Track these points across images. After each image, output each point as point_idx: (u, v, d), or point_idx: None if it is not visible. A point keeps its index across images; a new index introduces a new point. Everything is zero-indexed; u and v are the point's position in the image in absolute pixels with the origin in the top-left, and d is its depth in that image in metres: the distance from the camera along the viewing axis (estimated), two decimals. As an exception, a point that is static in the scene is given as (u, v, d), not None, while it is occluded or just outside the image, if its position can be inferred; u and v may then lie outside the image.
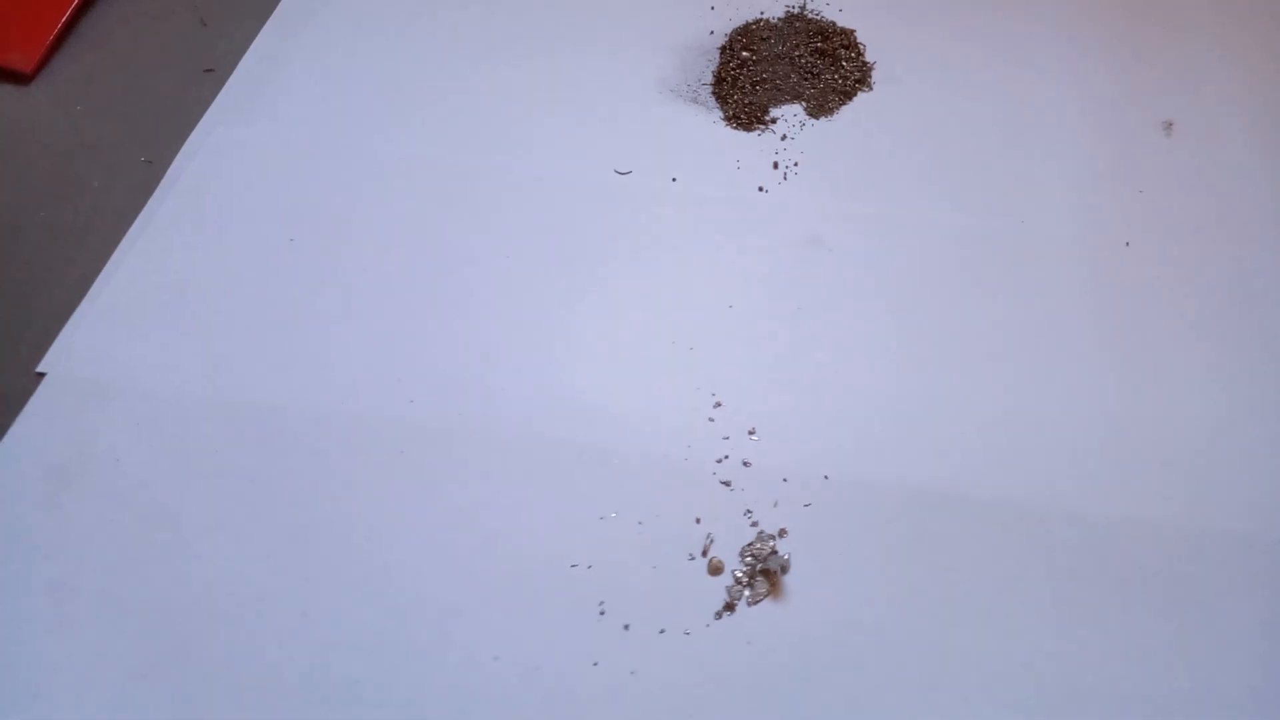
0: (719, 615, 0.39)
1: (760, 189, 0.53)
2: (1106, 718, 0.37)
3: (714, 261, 0.50)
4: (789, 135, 0.56)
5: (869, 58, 0.59)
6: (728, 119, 0.57)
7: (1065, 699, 0.37)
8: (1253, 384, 0.45)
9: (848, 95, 0.57)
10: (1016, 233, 0.50)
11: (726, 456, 0.43)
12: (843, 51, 0.59)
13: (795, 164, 0.54)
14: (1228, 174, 0.53)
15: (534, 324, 0.47)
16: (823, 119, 0.57)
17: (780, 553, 0.40)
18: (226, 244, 0.50)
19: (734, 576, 0.40)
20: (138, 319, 0.48)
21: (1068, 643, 0.38)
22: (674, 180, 0.54)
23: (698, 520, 0.41)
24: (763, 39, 0.60)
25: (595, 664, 0.38)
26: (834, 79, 0.58)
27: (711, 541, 0.41)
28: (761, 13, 0.62)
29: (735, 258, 0.50)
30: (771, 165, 0.54)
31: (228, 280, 0.49)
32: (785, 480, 0.42)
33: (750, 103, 0.57)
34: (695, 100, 0.58)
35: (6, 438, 0.44)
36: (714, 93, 0.58)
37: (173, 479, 0.42)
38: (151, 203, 0.53)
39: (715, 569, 0.40)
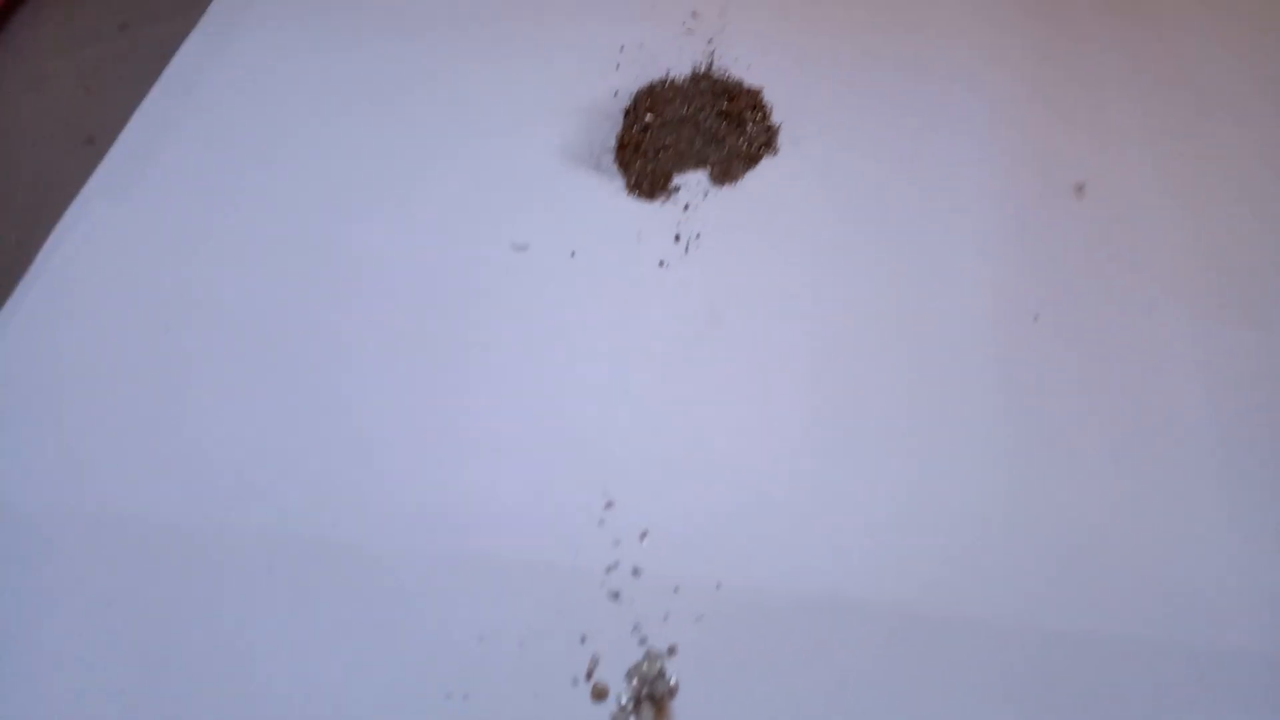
0: (602, 746, 0.37)
1: (661, 263, 0.51)
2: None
3: (611, 344, 0.48)
4: (691, 204, 0.54)
5: (776, 119, 0.57)
6: (630, 188, 0.55)
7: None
8: (1159, 470, 0.44)
9: (753, 160, 0.56)
10: (924, 308, 0.49)
11: (616, 564, 0.41)
12: (749, 114, 0.57)
13: (698, 235, 0.52)
14: (1140, 239, 0.51)
15: (414, 420, 0.45)
16: (727, 186, 0.55)
17: (668, 674, 0.38)
18: (97, 336, 0.48)
19: (618, 703, 0.38)
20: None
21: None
22: (572, 255, 0.51)
23: (583, 639, 0.39)
24: (667, 100, 0.58)
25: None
26: (739, 144, 0.56)
27: (596, 664, 0.39)
28: (668, 70, 0.59)
29: (633, 340, 0.48)
30: (673, 238, 0.52)
31: (95, 377, 0.46)
32: (677, 590, 0.40)
33: (653, 170, 0.55)
34: (597, 167, 0.56)
35: None
36: (616, 159, 0.56)
37: (23, 597, 0.40)
38: (18, 291, 0.50)
39: (599, 694, 0.38)
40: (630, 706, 0.37)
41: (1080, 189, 0.53)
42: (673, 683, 0.38)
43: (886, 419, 0.45)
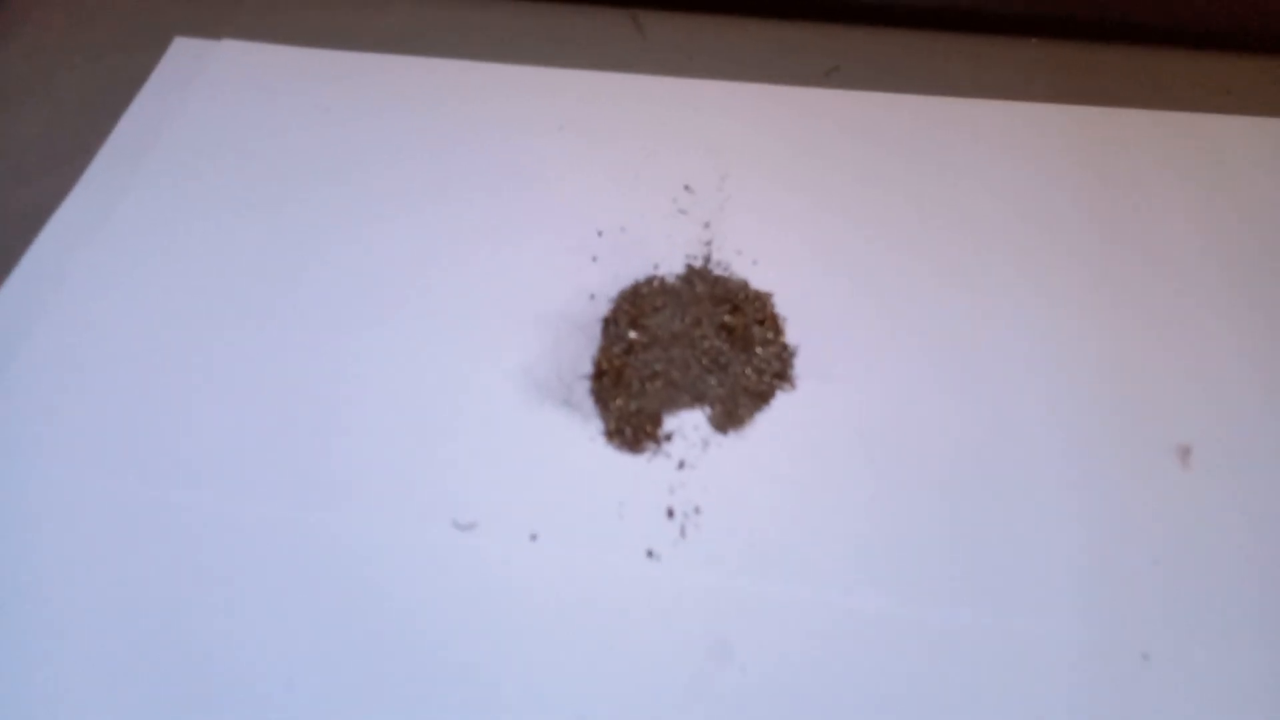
0: None
1: (649, 553, 0.39)
2: None
3: (579, 680, 0.35)
4: (687, 462, 0.41)
5: (790, 337, 0.45)
6: (609, 434, 0.42)
7: None
8: None
9: (762, 398, 0.43)
10: (995, 636, 0.36)
11: None
12: (756, 329, 0.45)
13: (696, 509, 0.40)
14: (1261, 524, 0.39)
15: None
16: (731, 432, 0.42)
17: None
18: None
19: None
20: None
21: None
22: (533, 538, 0.39)
23: None
24: (656, 308, 0.46)
25: None
26: (745, 372, 0.44)
27: None
28: (656, 265, 0.47)
29: (610, 673, 0.36)
30: (665, 513, 0.40)
31: None
32: None
33: (638, 410, 0.43)
34: (568, 401, 0.43)
35: None
36: (593, 390, 0.44)
37: None
38: None
39: None
40: None
41: (1185, 454, 0.41)
42: None
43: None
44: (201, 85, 0.57)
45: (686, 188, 0.52)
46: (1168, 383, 0.44)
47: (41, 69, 0.59)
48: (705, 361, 0.45)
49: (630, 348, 0.45)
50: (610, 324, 0.46)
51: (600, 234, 0.49)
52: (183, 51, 0.59)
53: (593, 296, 0.47)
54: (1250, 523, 0.39)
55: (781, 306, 0.47)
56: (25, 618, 0.37)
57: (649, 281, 0.48)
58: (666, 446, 0.43)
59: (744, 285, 0.48)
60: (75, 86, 0.57)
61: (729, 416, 0.44)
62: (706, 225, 0.50)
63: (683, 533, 0.40)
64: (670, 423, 0.43)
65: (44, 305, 0.46)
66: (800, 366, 0.45)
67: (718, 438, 0.43)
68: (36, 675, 0.35)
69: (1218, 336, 0.45)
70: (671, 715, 0.35)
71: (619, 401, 0.44)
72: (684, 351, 0.45)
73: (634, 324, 0.46)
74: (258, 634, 0.36)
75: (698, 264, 0.49)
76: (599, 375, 0.45)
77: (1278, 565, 0.38)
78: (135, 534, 0.39)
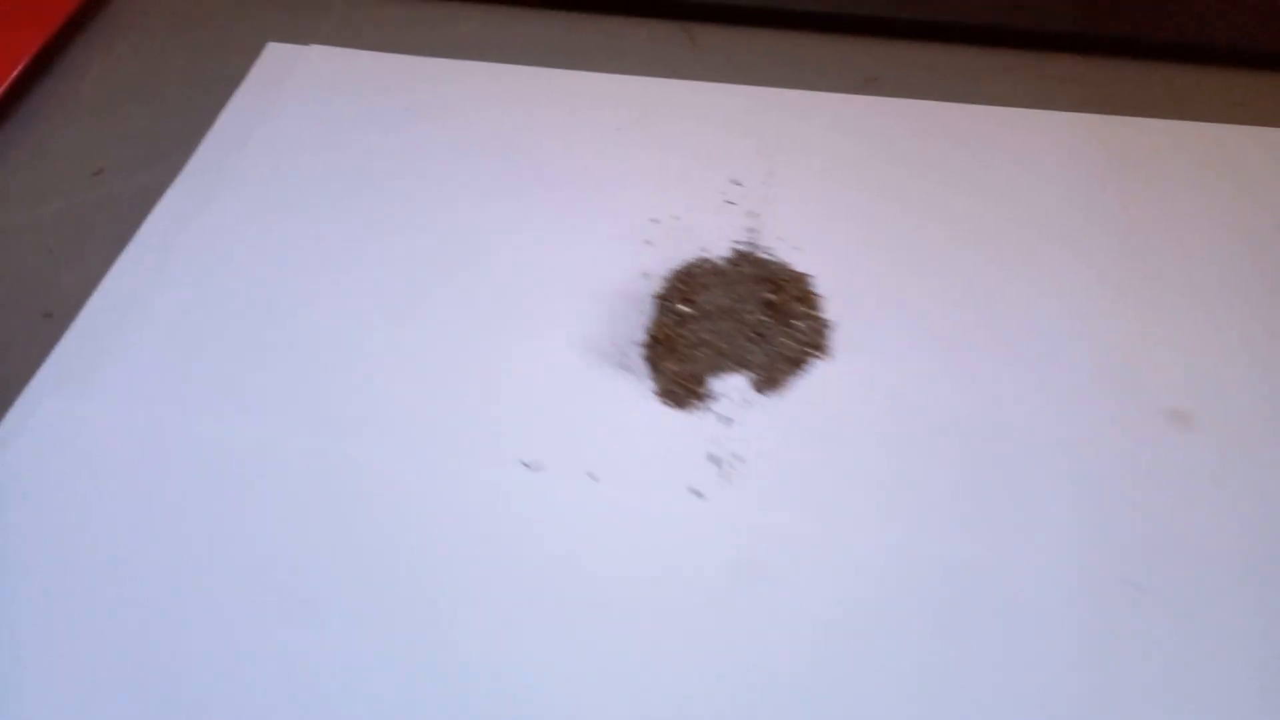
0: None
1: (695, 493, 0.44)
2: None
3: (629, 599, 0.40)
4: (732, 418, 0.46)
5: (827, 313, 0.50)
6: (660, 394, 0.47)
7: None
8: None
9: (799, 365, 0.48)
10: (997, 567, 0.41)
11: None
12: (796, 305, 0.50)
13: (737, 458, 0.45)
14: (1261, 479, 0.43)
15: (403, 650, 0.37)
16: (771, 394, 0.47)
17: None
18: (43, 561, 0.40)
19: None
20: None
21: None
22: (592, 478, 0.44)
23: None
24: (705, 286, 0.51)
25: None
26: (784, 342, 0.49)
27: None
28: (705, 249, 0.52)
29: (654, 595, 0.40)
30: (710, 460, 0.45)
31: (40, 596, 0.39)
32: None
33: (689, 373, 0.47)
34: (623, 365, 0.48)
35: None
36: (646, 356, 0.49)
37: None
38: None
39: None
40: None
41: (1185, 418, 0.45)
42: None
43: (959, 693, 0.37)
44: (291, 87, 0.63)
45: (735, 182, 0.57)
46: (1163, 356, 0.48)
47: (147, 70, 0.65)
48: (749, 333, 0.50)
49: (681, 319, 0.50)
50: (663, 299, 0.51)
51: (655, 221, 0.54)
52: (275, 56, 0.65)
53: (646, 275, 0.52)
54: (1235, 478, 0.44)
55: (821, 287, 0.51)
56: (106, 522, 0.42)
57: (699, 262, 0.53)
58: (712, 405, 0.47)
59: (785, 267, 0.52)
60: (178, 86, 0.64)
61: (769, 381, 0.48)
62: (752, 215, 0.55)
63: (726, 477, 0.45)
64: (715, 385, 0.48)
65: (151, 279, 0.52)
66: (837, 340, 0.50)
67: (759, 399, 0.48)
68: (99, 581, 0.41)
69: (1219, 318, 0.49)
70: (713, 626, 0.39)
71: (669, 365, 0.49)
72: (729, 324, 0.50)
73: (685, 299, 0.51)
74: (340, 561, 0.42)
75: (744, 249, 0.53)
76: (653, 343, 0.50)
77: (1259, 521, 0.43)
78: (254, 469, 0.45)
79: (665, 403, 0.48)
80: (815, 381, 0.48)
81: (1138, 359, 0.48)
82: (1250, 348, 0.48)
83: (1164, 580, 0.40)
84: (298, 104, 0.61)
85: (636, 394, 0.48)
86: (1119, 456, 0.44)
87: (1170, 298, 0.50)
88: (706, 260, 0.53)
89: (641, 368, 0.49)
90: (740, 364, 0.49)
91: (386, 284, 0.51)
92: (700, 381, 0.48)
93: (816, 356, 0.49)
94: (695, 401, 0.48)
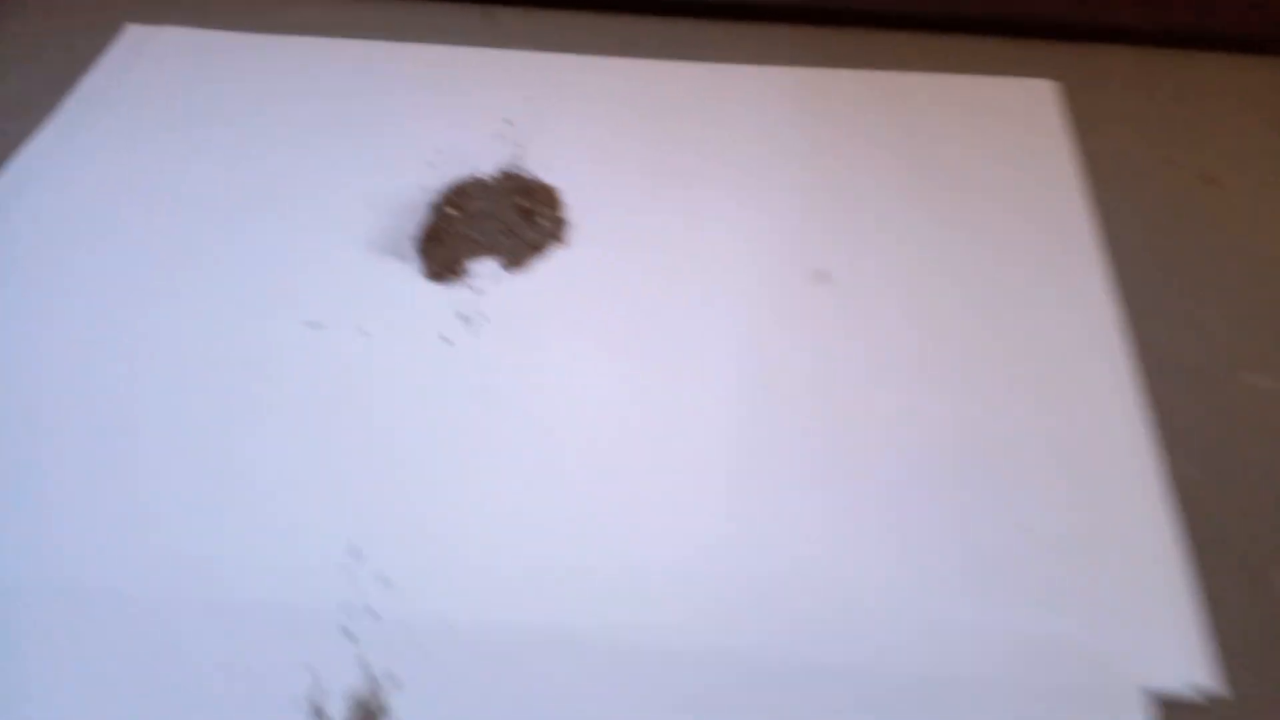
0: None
1: (446, 340, 0.56)
2: None
3: (387, 413, 0.53)
4: (484, 290, 0.59)
5: (572, 216, 0.63)
6: (427, 274, 0.60)
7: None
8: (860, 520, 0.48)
9: (540, 250, 0.61)
10: (668, 397, 0.54)
11: (355, 606, 0.45)
12: (544, 209, 0.63)
13: (484, 316, 0.57)
14: (872, 322, 0.57)
15: (193, 473, 0.50)
16: (517, 273, 0.60)
17: (386, 701, 0.42)
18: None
19: (336, 728, 0.41)
20: None
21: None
22: (362, 331, 0.56)
23: (312, 674, 0.43)
24: (472, 197, 0.64)
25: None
26: (531, 235, 0.62)
27: (323, 694, 0.42)
28: (477, 170, 0.65)
29: (410, 410, 0.53)
30: (458, 317, 0.57)
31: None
32: (411, 630, 0.44)
33: (450, 257, 0.60)
34: (399, 255, 0.61)
35: None
36: (419, 248, 0.61)
37: None
38: None
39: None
40: (348, 732, 0.41)
41: (824, 276, 0.59)
42: (388, 707, 0.41)
43: (623, 478, 0.50)
44: (142, 69, 0.75)
45: (507, 121, 0.70)
46: (810, 227, 0.62)
47: (16, 49, 0.77)
48: (503, 229, 0.63)
49: (449, 220, 0.63)
50: (436, 205, 0.64)
51: (439, 151, 0.67)
52: (132, 36, 0.77)
53: (424, 189, 0.65)
54: (865, 322, 0.58)
55: (567, 198, 0.65)
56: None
57: (470, 180, 0.66)
58: (469, 282, 0.60)
59: (539, 181, 0.66)
60: (45, 65, 0.75)
61: (515, 262, 0.61)
62: (519, 145, 0.68)
63: (473, 332, 0.57)
64: (473, 267, 0.61)
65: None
66: (575, 235, 0.63)
67: (507, 276, 0.61)
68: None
69: (853, 200, 0.63)
70: (459, 440, 0.52)
71: (435, 252, 0.61)
72: (489, 223, 0.63)
73: (452, 204, 0.64)
74: (162, 401, 0.54)
75: (509, 170, 0.66)
76: (424, 237, 0.62)
77: (886, 356, 0.56)
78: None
79: (431, 280, 0.60)
80: (554, 264, 0.61)
81: (790, 232, 0.62)
82: (881, 223, 0.62)
83: (810, 403, 0.53)
84: (147, 85, 0.73)
85: (407, 274, 0.60)
86: (774, 308, 0.58)
87: (823, 194, 0.64)
88: (476, 178, 0.65)
89: (413, 257, 0.61)
90: (494, 251, 0.61)
91: (210, 202, 0.63)
92: (460, 264, 0.61)
93: (556, 245, 0.62)
94: (454, 279, 0.60)
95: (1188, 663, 0.43)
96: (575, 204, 0.64)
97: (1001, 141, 0.67)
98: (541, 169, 0.66)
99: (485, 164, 0.66)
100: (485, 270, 0.60)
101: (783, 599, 0.45)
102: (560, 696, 0.42)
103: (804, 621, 0.45)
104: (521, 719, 0.42)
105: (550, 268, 0.60)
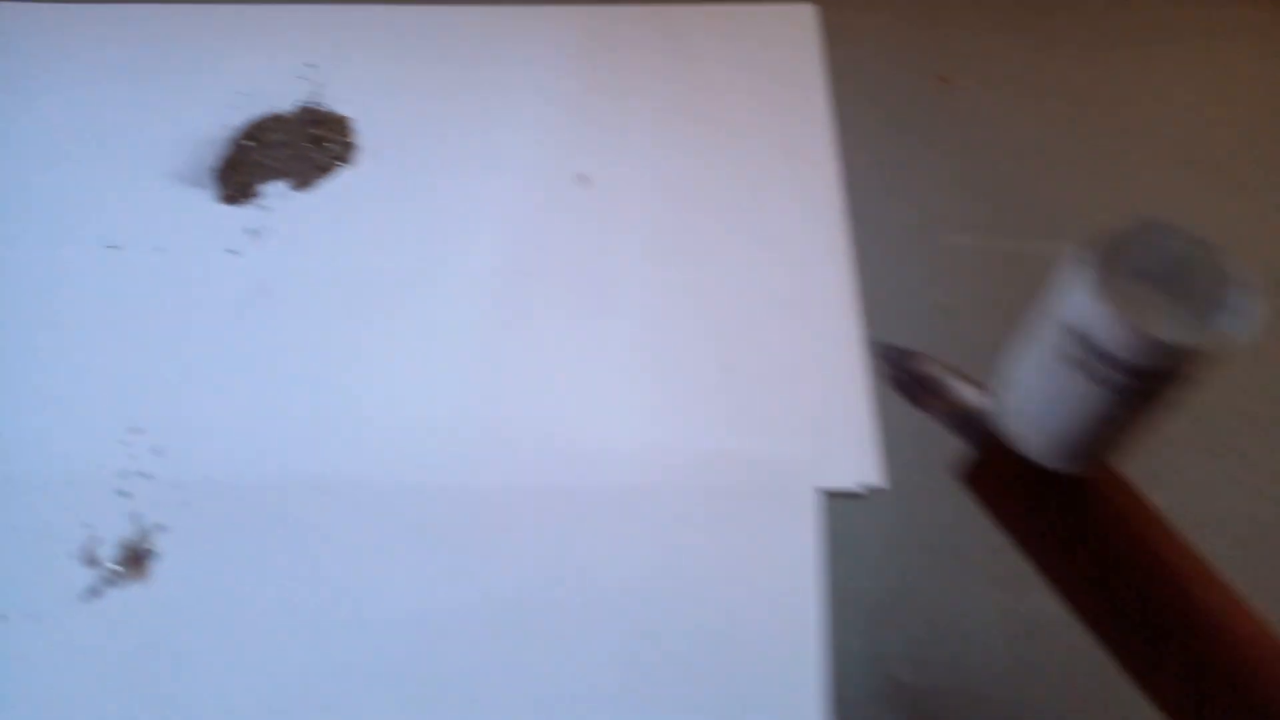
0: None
1: (232, 252, 0.61)
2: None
3: (176, 319, 0.58)
4: (273, 208, 0.64)
5: (361, 142, 0.69)
6: (222, 198, 0.65)
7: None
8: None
9: (326, 170, 0.67)
10: (433, 273, 0.60)
11: (130, 472, 0.50)
12: (334, 135, 0.69)
13: (270, 230, 0.63)
14: (628, 221, 0.63)
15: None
16: (304, 190, 0.65)
17: (152, 544, 0.47)
18: None
19: (107, 566, 0.47)
20: None
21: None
22: (159, 250, 0.61)
23: (88, 527, 0.48)
24: (268, 130, 0.69)
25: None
26: (319, 158, 0.67)
27: (96, 543, 0.47)
28: (274, 108, 0.71)
29: (197, 313, 0.58)
30: (245, 231, 0.63)
31: None
32: (176, 487, 0.50)
33: (244, 182, 0.66)
34: (197, 183, 0.66)
35: None
36: (215, 175, 0.66)
37: None
38: None
39: (91, 562, 0.46)
40: (115, 568, 0.46)
41: (584, 179, 0.65)
42: (154, 549, 0.47)
43: (386, 348, 0.56)
44: (16, 42, 0.79)
45: (309, 65, 0.75)
46: (570, 134, 0.68)
47: None
48: (295, 154, 0.68)
49: (245, 150, 0.68)
50: (234, 141, 0.70)
51: (240, 93, 0.73)
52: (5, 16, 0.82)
53: (226, 126, 0.70)
54: (626, 222, 0.64)
55: (357, 127, 0.70)
56: None
57: (270, 115, 0.71)
58: (259, 203, 0.66)
59: (332, 113, 0.71)
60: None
61: (303, 183, 0.67)
62: (317, 85, 0.74)
63: (258, 243, 0.63)
64: (265, 189, 0.66)
65: None
66: (361, 156, 0.69)
67: (295, 194, 0.66)
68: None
69: (612, 117, 0.70)
70: (232, 333, 0.58)
71: (231, 178, 0.67)
72: (283, 151, 0.68)
73: (250, 137, 0.69)
74: None
75: (308, 105, 0.72)
76: (221, 166, 0.68)
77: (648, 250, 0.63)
78: None
79: (225, 204, 0.66)
80: (339, 182, 0.67)
81: (555, 145, 0.68)
82: (642, 133, 0.68)
83: (563, 279, 0.60)
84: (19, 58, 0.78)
85: (203, 199, 0.65)
86: (538, 205, 0.64)
87: (592, 112, 0.71)
88: (276, 114, 0.71)
89: (212, 184, 0.67)
90: (284, 175, 0.67)
91: (34, 145, 0.68)
92: (252, 188, 0.66)
93: (343, 166, 0.68)
94: (246, 201, 0.66)
95: (858, 466, 0.50)
96: (365, 131, 0.69)
97: (760, 60, 0.74)
98: (339, 104, 0.71)
99: (286, 103, 0.71)
100: (275, 191, 0.65)
101: (521, 441, 0.52)
102: (307, 531, 0.48)
103: (533, 456, 0.51)
104: (273, 549, 0.47)
105: (335, 185, 0.66)
